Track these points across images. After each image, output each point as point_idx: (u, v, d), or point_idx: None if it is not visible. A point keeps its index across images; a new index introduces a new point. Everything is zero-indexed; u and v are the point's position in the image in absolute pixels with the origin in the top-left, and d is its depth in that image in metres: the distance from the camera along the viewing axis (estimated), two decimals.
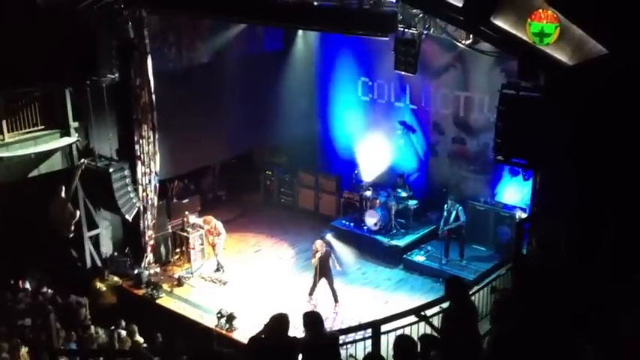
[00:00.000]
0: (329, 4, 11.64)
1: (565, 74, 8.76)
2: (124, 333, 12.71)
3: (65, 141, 14.57)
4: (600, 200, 8.64)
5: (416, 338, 7.59)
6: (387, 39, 11.49)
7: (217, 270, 15.57)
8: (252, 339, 7.78)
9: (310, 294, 14.24)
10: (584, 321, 6.09)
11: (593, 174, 8.70)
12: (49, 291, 14.00)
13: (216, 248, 15.55)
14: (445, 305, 9.31)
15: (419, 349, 6.81)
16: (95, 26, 13.90)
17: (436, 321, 9.28)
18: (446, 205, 15.24)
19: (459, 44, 11.48)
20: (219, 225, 15.51)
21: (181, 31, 16.66)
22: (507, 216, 15.25)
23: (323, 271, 13.98)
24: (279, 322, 7.44)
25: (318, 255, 13.86)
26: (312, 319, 7.55)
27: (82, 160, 14.64)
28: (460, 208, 15.13)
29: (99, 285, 14.27)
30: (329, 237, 14.42)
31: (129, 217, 14.75)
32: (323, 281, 14.08)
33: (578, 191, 8.96)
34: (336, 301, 14.07)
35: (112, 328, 12.90)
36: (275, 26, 16.29)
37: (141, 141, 14.95)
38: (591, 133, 8.67)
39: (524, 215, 14.34)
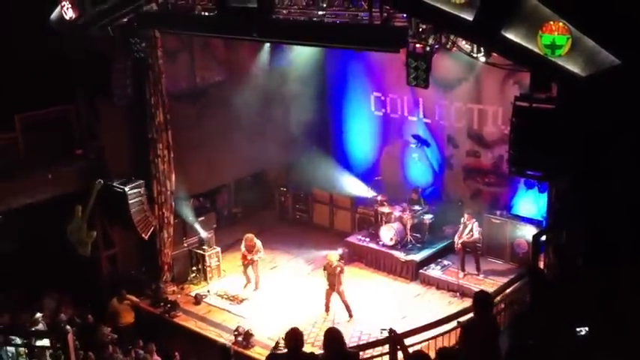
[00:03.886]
0: (339, 21, 11.72)
1: (578, 85, 8.74)
2: (142, 352, 12.72)
3: (81, 161, 14.71)
4: (617, 212, 8.58)
5: (434, 353, 7.57)
6: (398, 53, 11.53)
7: (256, 288, 15.55)
8: (268, 357, 7.80)
9: (326, 310, 14.22)
10: (602, 334, 6.04)
11: (609, 185, 8.64)
12: (68, 311, 14.06)
13: (254, 266, 15.52)
14: (462, 319, 9.28)
15: None
16: (109, 47, 14.09)
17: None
18: (462, 218, 15.18)
19: (470, 57, 11.47)
20: (259, 243, 15.51)
21: (195, 50, 16.84)
22: (524, 228, 15.14)
23: (334, 286, 13.98)
24: (294, 337, 7.45)
25: (328, 269, 13.91)
26: (333, 336, 7.52)
27: (99, 180, 14.77)
28: (476, 223, 15.05)
29: (117, 304, 14.33)
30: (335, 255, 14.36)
31: (145, 236, 14.82)
32: (337, 296, 14.08)
33: (594, 203, 8.89)
34: (350, 315, 14.04)
35: (130, 347, 12.93)
36: (286, 44, 16.39)
37: (156, 160, 15.06)
38: (606, 144, 8.63)
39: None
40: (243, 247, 15.51)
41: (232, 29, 12.58)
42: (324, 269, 14.16)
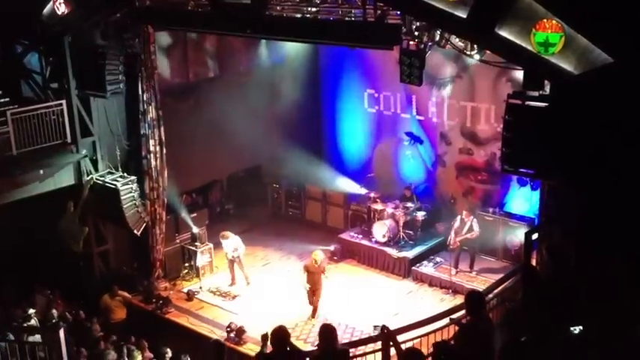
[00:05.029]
0: (333, 18, 11.72)
1: (571, 83, 8.76)
2: (133, 348, 12.69)
3: (73, 157, 14.67)
4: (610, 210, 8.61)
5: (426, 350, 7.58)
6: (391, 51, 11.54)
7: (248, 283, 15.53)
8: (258, 355, 7.84)
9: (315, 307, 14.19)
10: (596, 332, 6.06)
11: (602, 183, 8.67)
12: (59, 307, 14.01)
13: (238, 263, 15.50)
14: (455, 316, 9.31)
15: (432, 358, 6.80)
16: (103, 42, 14.05)
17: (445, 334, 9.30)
18: (460, 216, 15.16)
19: (464, 55, 11.50)
20: (236, 240, 15.48)
21: (187, 46, 16.81)
22: (516, 226, 15.17)
23: (315, 284, 13.92)
24: (279, 334, 7.49)
25: (311, 269, 13.86)
26: (325, 333, 7.55)
27: (91, 176, 14.73)
28: (474, 220, 15.02)
29: (108, 301, 14.29)
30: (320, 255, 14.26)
31: (137, 232, 14.79)
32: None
33: (587, 201, 8.92)
34: (312, 316, 13.99)
35: (122, 343, 12.89)
36: (280, 40, 16.38)
37: (148, 156, 15.02)
38: (599, 142, 8.65)
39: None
40: (224, 247, 15.51)
41: (226, 25, 12.55)
42: (306, 269, 13.99)
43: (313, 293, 13.96)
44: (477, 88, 16.05)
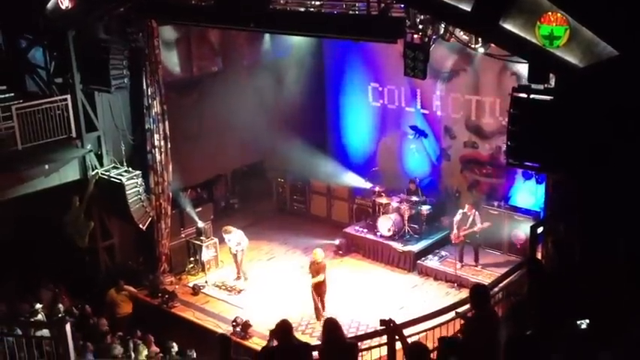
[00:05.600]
0: (337, 11, 11.69)
1: (576, 76, 8.72)
2: (139, 342, 12.73)
3: (78, 151, 14.69)
4: (615, 203, 8.58)
5: (432, 344, 7.59)
6: (396, 44, 11.51)
7: (245, 279, 15.50)
8: (263, 349, 7.88)
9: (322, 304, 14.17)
10: (599, 327, 6.05)
11: (607, 177, 8.65)
12: (65, 302, 14.06)
13: (237, 257, 15.53)
14: (460, 310, 9.31)
15: (438, 352, 6.81)
16: (107, 37, 14.05)
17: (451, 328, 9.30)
18: (462, 210, 15.12)
19: (468, 48, 11.47)
20: (237, 234, 15.51)
21: (191, 40, 16.80)
22: (521, 220, 15.13)
23: (319, 283, 13.80)
24: (282, 328, 7.51)
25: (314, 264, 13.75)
26: (331, 327, 7.57)
27: (96, 171, 14.76)
28: (477, 213, 15.00)
29: (114, 295, 14.34)
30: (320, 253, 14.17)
31: (142, 227, 14.82)
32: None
33: (592, 195, 8.90)
34: (319, 316, 13.76)
35: (128, 337, 12.93)
36: (284, 34, 16.36)
37: (153, 150, 15.04)
38: (604, 136, 8.62)
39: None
40: (226, 241, 15.50)
41: (229, 19, 12.52)
42: (310, 267, 13.89)
43: (318, 292, 13.90)
44: (482, 82, 16.00)
